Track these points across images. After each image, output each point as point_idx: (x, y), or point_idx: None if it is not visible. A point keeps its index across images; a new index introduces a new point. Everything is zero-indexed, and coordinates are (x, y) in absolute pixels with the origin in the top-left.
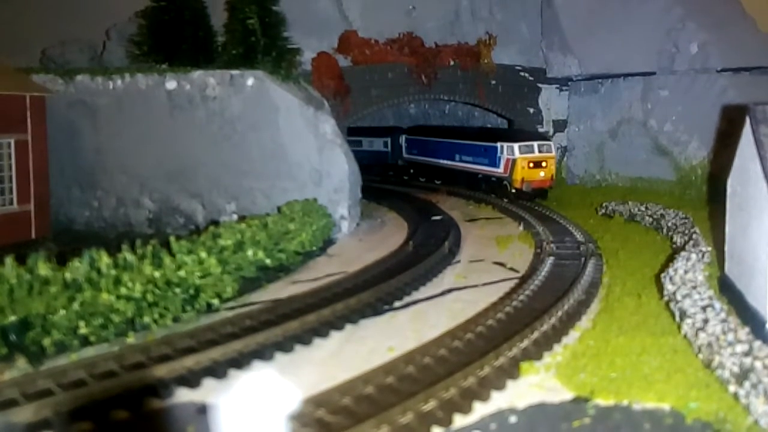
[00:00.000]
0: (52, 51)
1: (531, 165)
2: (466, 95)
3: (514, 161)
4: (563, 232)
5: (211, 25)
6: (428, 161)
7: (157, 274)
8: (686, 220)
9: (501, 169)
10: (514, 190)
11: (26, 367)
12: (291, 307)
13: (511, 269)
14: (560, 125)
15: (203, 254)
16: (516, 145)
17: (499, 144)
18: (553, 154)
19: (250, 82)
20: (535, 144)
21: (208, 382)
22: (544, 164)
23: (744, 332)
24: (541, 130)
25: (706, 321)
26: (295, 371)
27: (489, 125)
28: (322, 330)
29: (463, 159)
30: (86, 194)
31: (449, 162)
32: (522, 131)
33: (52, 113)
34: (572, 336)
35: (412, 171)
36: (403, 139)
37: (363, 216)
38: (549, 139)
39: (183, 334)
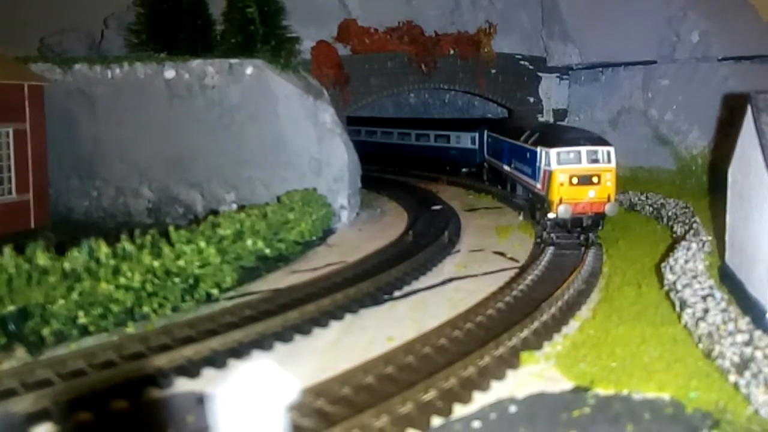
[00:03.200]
0: (50, 40)
1: (575, 181)
2: (466, 84)
3: (550, 174)
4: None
5: (209, 13)
6: (496, 165)
7: (156, 263)
8: (687, 210)
9: (540, 184)
10: (552, 216)
11: (25, 357)
12: (290, 297)
13: (511, 259)
14: (560, 114)
15: (202, 244)
16: (553, 152)
17: (539, 148)
18: (613, 165)
19: (249, 71)
20: (583, 150)
21: (208, 372)
22: (595, 180)
23: (744, 322)
24: (541, 119)
25: (706, 311)
26: (294, 361)
27: (490, 115)
28: (321, 320)
29: (516, 166)
30: (85, 184)
31: (507, 168)
32: (574, 129)
33: (51, 102)
34: (572, 326)
35: (490, 176)
36: (485, 135)
37: (363, 206)
38: (607, 143)
39: (182, 323)
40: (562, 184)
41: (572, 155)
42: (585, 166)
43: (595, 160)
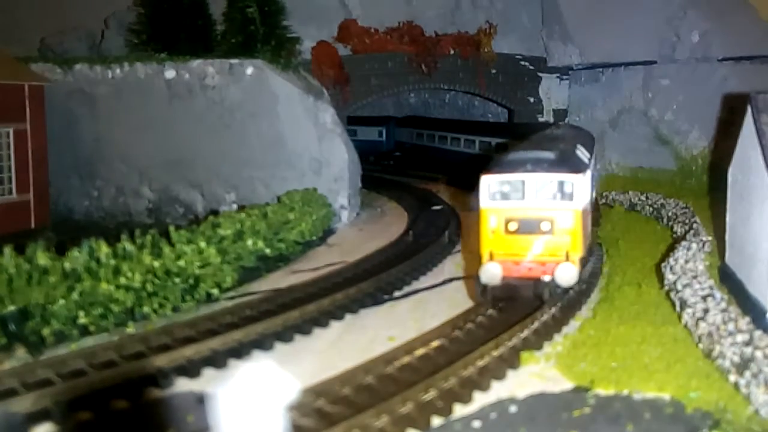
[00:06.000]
0: (51, 40)
1: (512, 227)
2: (466, 84)
3: (479, 214)
4: None
5: (210, 13)
6: None
7: (156, 263)
8: (687, 210)
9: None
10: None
11: (26, 357)
12: (291, 297)
13: None
14: (560, 115)
15: (203, 244)
16: (484, 180)
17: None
18: (577, 206)
19: (249, 71)
20: (530, 179)
21: (208, 372)
22: (545, 227)
23: (744, 322)
24: (541, 119)
25: (706, 311)
26: (294, 361)
27: (490, 116)
28: (321, 320)
29: None
30: (85, 184)
31: None
32: (540, 143)
33: (51, 102)
34: (572, 326)
35: None
36: None
37: (363, 205)
38: (573, 168)
39: (182, 323)
40: (493, 232)
41: (510, 186)
42: (530, 205)
43: (550, 196)
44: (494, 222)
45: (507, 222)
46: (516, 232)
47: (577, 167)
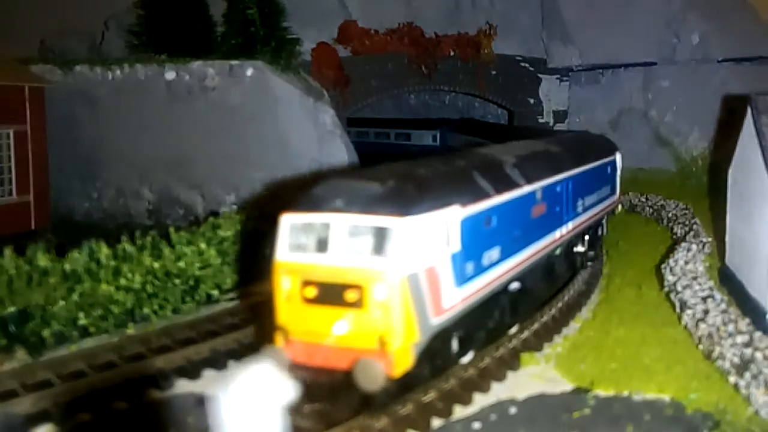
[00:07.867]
0: (51, 41)
1: (310, 294)
2: (466, 85)
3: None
4: None
5: (210, 15)
6: None
7: (156, 265)
8: (686, 211)
9: None
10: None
11: (26, 358)
12: None
13: None
14: (561, 116)
15: (203, 245)
16: (284, 221)
17: None
18: (402, 267)
19: (249, 72)
20: (336, 222)
21: (208, 373)
22: (351, 297)
23: (744, 323)
24: (541, 120)
25: (706, 312)
26: None
27: (490, 117)
28: None
29: None
30: (85, 185)
31: None
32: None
33: (51, 104)
34: (572, 327)
35: None
36: None
37: None
38: (403, 208)
39: (183, 325)
40: (288, 298)
41: (312, 232)
42: (333, 262)
43: (363, 249)
44: (287, 284)
45: (304, 285)
46: (315, 301)
47: (414, 205)
